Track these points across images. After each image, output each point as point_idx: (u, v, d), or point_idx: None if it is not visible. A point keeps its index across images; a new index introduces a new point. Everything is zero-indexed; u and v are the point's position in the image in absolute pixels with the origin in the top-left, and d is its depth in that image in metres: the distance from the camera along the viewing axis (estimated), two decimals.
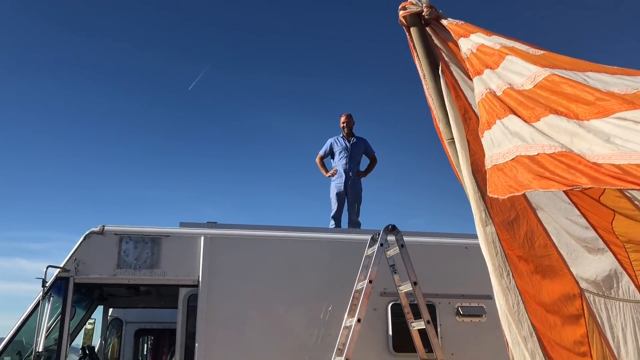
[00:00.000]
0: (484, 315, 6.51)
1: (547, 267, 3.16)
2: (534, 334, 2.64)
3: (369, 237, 6.46)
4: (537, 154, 1.92)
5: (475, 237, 7.17)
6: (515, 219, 3.10)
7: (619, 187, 1.78)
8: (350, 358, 5.47)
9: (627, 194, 3.61)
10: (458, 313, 6.50)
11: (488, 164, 2.17)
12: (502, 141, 2.11)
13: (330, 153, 8.75)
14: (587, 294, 3.32)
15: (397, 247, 5.92)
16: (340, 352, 5.84)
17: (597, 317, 3.27)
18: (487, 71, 2.39)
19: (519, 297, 2.68)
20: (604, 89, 2.02)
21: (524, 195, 3.11)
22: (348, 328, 5.84)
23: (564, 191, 3.44)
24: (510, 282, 2.68)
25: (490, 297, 6.59)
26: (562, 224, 3.25)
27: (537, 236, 3.14)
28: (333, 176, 8.54)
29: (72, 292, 5.94)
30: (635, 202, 3.62)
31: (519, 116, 2.11)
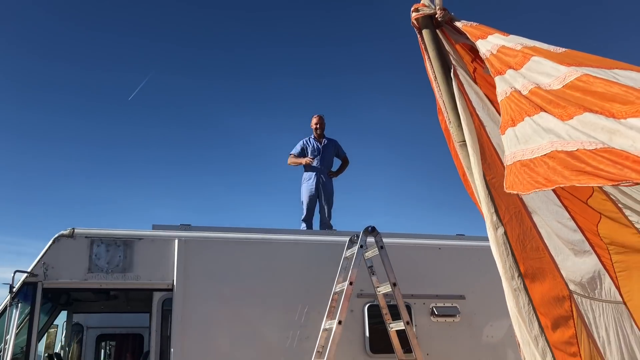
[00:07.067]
0: (457, 315, 6.60)
1: (537, 269, 3.20)
2: (543, 334, 2.69)
3: (345, 238, 6.46)
4: (577, 150, 1.92)
5: (447, 238, 7.29)
6: (508, 222, 3.13)
7: None
8: None
9: (612, 197, 3.72)
10: (433, 313, 6.57)
11: (509, 160, 2.18)
12: (532, 137, 2.11)
13: (302, 154, 8.72)
14: (575, 296, 3.40)
15: (377, 248, 5.95)
16: (319, 355, 5.82)
17: (585, 317, 3.35)
18: (510, 71, 2.41)
19: (528, 297, 2.72)
20: (637, 86, 2.04)
21: (520, 199, 3.16)
22: (328, 330, 5.83)
23: (556, 194, 3.50)
24: (520, 283, 2.72)
25: (463, 297, 6.73)
26: (553, 227, 3.32)
27: (530, 239, 3.19)
28: (309, 164, 8.45)
29: (41, 297, 5.71)
30: (619, 205, 3.74)
31: (550, 114, 2.12)
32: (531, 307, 2.70)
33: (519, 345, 2.78)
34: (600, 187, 3.59)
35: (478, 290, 6.74)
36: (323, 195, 8.38)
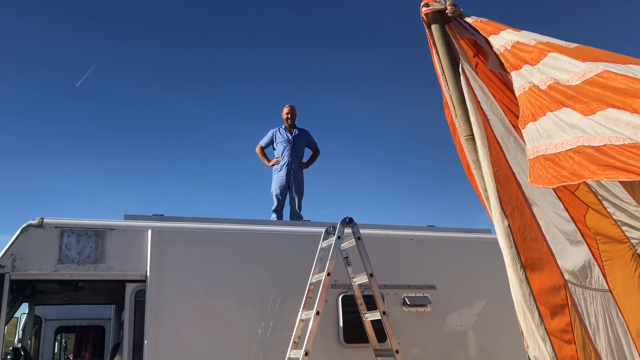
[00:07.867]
0: (428, 305, 6.74)
1: (536, 259, 3.30)
2: (543, 322, 2.79)
3: (318, 229, 6.48)
4: (604, 145, 1.98)
5: (419, 229, 7.40)
6: (510, 214, 3.22)
7: None
8: (309, 351, 5.47)
9: (593, 189, 3.87)
10: (404, 303, 6.67)
11: (531, 154, 2.23)
12: (555, 132, 2.16)
13: (271, 144, 8.68)
14: (569, 285, 3.53)
15: (353, 239, 5.99)
16: (296, 345, 5.82)
17: (578, 305, 3.49)
18: (526, 66, 2.46)
19: (529, 287, 2.81)
20: None
21: (521, 190, 3.25)
22: (304, 321, 5.83)
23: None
24: (523, 274, 2.81)
25: (434, 287, 6.87)
26: (551, 218, 3.44)
27: (530, 230, 3.29)
28: (275, 165, 8.48)
29: (9, 289, 5.51)
30: (599, 197, 3.90)
31: (572, 109, 2.18)
32: (532, 297, 2.80)
33: (523, 334, 2.87)
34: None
35: (448, 280, 6.89)
36: (293, 186, 8.38)
